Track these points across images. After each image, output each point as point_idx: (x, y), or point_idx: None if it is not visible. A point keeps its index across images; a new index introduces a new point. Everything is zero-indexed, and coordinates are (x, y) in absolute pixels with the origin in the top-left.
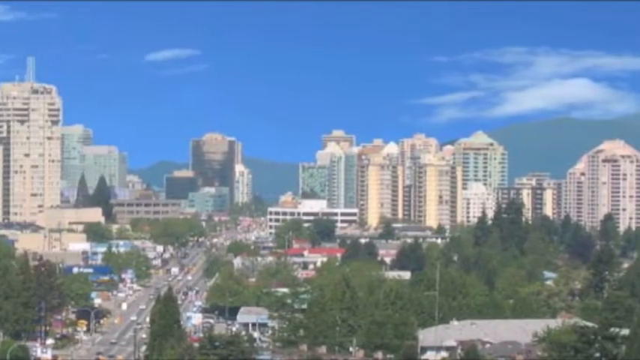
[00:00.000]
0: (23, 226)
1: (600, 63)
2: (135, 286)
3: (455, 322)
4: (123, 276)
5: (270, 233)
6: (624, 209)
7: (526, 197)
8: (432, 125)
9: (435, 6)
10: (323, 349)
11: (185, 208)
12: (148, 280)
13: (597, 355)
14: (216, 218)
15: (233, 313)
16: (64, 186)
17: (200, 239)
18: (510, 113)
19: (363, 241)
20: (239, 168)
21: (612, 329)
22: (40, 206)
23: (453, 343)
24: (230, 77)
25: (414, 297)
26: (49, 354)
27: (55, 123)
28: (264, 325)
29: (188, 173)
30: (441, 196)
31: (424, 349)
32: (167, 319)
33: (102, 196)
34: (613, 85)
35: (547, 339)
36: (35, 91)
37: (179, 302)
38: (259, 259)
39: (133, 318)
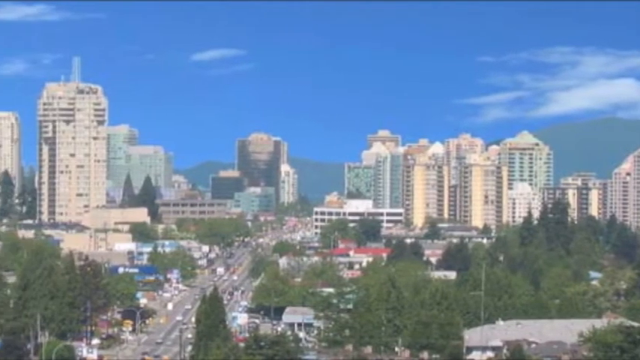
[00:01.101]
0: (69, 226)
1: None
2: (180, 286)
3: (500, 322)
4: (168, 276)
5: (316, 233)
6: None
7: (572, 197)
8: (477, 125)
9: (482, 6)
10: (369, 349)
11: (231, 208)
12: (194, 280)
13: None
14: (261, 218)
15: (279, 313)
16: (110, 186)
17: (246, 239)
18: (556, 113)
19: (408, 241)
20: (285, 168)
21: None
22: (86, 206)
23: (498, 343)
24: (276, 77)
25: (460, 297)
26: (94, 354)
27: (100, 123)
28: (310, 325)
29: (234, 173)
30: (486, 196)
31: (470, 349)
32: (213, 319)
33: (147, 196)
34: None
35: (593, 339)
36: (81, 91)
37: (225, 302)
38: (305, 259)
39: (179, 318)
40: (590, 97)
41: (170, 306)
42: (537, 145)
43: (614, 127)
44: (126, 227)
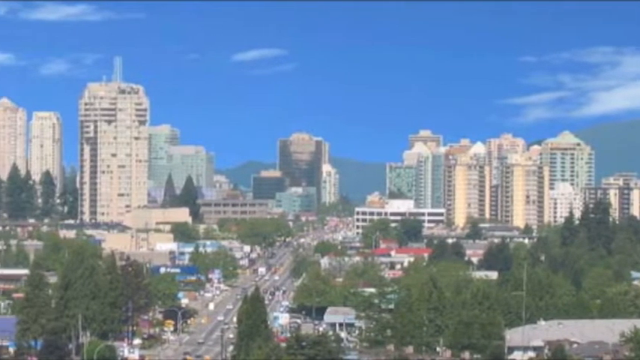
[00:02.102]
0: (110, 226)
1: None
2: (222, 286)
3: (542, 322)
4: (210, 276)
5: (358, 233)
6: None
7: (613, 197)
8: (519, 125)
9: (524, 6)
10: (410, 349)
11: (272, 208)
12: (235, 280)
13: None
14: (303, 218)
15: (320, 313)
16: (151, 186)
17: (287, 239)
18: (597, 113)
19: (450, 241)
20: (326, 168)
21: None
22: (128, 206)
23: (540, 343)
24: (317, 77)
25: (501, 297)
26: (136, 354)
27: (142, 123)
28: (352, 325)
29: (275, 173)
30: (528, 196)
31: (511, 349)
32: (254, 319)
33: (189, 196)
34: None
35: (634, 339)
36: (122, 91)
37: (266, 302)
38: (346, 259)
39: (220, 318)
40: (631, 97)
41: (212, 306)
42: (579, 145)
43: None
44: (167, 227)
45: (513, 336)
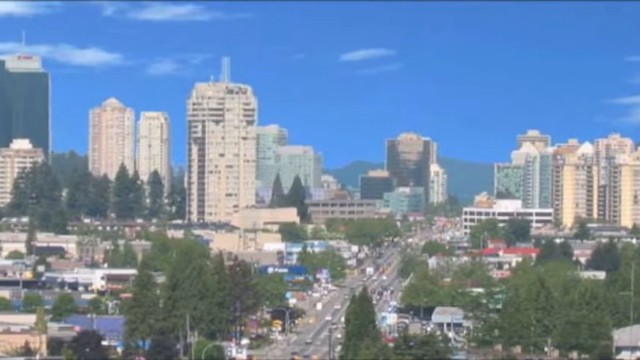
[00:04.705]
0: (218, 226)
1: None
2: (330, 286)
3: None
4: (318, 276)
5: (465, 233)
6: None
7: None
8: (627, 125)
9: (630, 6)
10: (518, 349)
11: (380, 208)
12: (343, 280)
13: None
14: (411, 218)
15: (428, 313)
16: (259, 186)
17: (395, 239)
18: None
19: (557, 241)
20: (434, 168)
21: None
22: (235, 206)
23: None
24: (425, 77)
25: (609, 297)
26: (244, 354)
27: (250, 123)
28: (459, 325)
29: (383, 173)
30: (636, 196)
31: (619, 349)
32: (362, 319)
33: (297, 196)
34: None
35: None
36: (230, 91)
37: (374, 302)
38: (454, 259)
39: (328, 318)
40: None
41: (319, 306)
42: None
43: None
44: (275, 227)
45: (621, 336)
